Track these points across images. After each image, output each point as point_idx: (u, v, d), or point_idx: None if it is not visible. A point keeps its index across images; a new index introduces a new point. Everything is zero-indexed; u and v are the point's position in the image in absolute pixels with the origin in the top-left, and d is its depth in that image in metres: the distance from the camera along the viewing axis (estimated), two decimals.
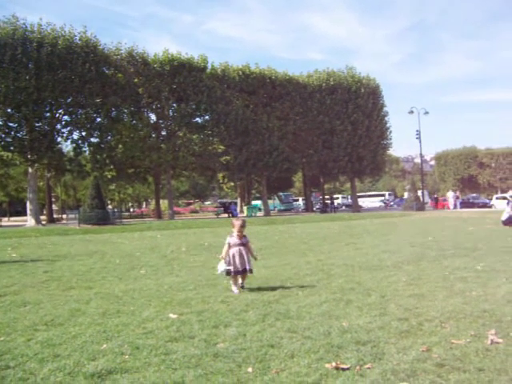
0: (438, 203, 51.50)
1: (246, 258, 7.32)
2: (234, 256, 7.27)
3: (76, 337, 4.92)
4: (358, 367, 3.80)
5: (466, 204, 50.55)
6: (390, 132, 55.97)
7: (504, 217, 20.14)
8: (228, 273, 7.30)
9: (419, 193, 49.87)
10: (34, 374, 3.84)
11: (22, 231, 26.45)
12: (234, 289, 7.27)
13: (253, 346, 4.43)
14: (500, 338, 4.44)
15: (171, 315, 5.73)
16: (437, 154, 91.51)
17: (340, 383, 3.49)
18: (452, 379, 3.52)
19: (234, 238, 7.39)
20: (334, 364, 3.84)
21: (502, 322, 5.00)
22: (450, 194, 50.18)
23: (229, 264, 7.27)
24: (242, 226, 7.46)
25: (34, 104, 36.01)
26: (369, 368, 3.78)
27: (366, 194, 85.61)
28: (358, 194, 66.06)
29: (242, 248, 7.35)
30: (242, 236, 7.44)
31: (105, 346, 4.59)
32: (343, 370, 3.75)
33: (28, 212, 38.47)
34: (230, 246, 7.36)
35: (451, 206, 48.12)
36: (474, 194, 65.45)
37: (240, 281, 7.48)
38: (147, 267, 10.50)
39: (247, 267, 7.28)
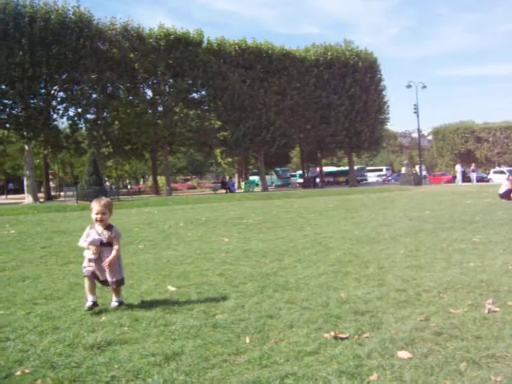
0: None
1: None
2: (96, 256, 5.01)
3: (75, 310, 4.93)
4: (356, 336, 3.82)
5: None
6: (388, 107, 55.71)
7: (502, 190, 20.16)
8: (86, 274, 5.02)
9: (417, 167, 49.79)
10: (34, 345, 3.86)
11: (20, 208, 26.42)
12: (88, 297, 4.93)
13: (251, 316, 4.46)
14: (497, 307, 4.47)
15: (170, 288, 5.75)
16: (434, 129, 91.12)
17: (339, 352, 3.51)
18: (450, 347, 3.54)
19: (93, 231, 5.03)
20: (332, 333, 3.86)
21: (499, 292, 5.02)
22: (458, 168, 49.37)
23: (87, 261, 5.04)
24: (104, 213, 5.02)
25: (29, 80, 35.63)
26: (367, 337, 3.80)
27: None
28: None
29: (105, 249, 4.99)
30: (104, 226, 5.05)
31: (104, 318, 4.61)
32: (342, 339, 3.78)
33: (25, 189, 38.41)
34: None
35: (458, 181, 47.11)
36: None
37: (114, 298, 5.08)
38: (145, 242, 10.52)
39: (108, 278, 5.00)
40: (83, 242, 5.04)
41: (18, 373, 3.30)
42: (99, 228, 5.03)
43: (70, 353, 3.68)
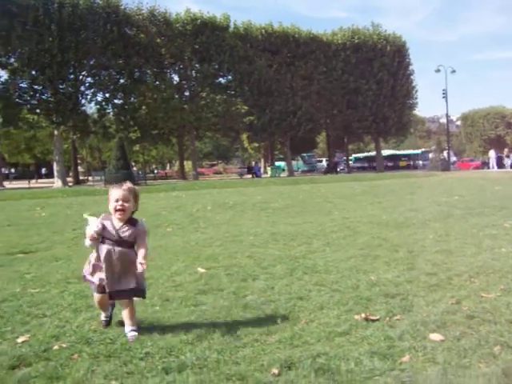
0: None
1: (126, 269, 3.68)
2: (106, 260, 3.64)
3: None
4: (387, 318, 3.81)
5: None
6: (416, 91, 54.98)
7: None
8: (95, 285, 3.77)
9: (445, 153, 49.07)
10: (70, 322, 3.96)
11: (50, 192, 26.91)
12: (102, 316, 3.88)
13: (281, 298, 4.48)
14: None
15: (199, 269, 5.81)
16: (463, 114, 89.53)
17: (370, 333, 3.50)
18: (483, 330, 3.50)
19: (108, 224, 3.70)
20: (363, 315, 3.86)
21: None
22: (492, 154, 48.33)
23: (94, 270, 3.74)
24: (127, 200, 3.71)
25: (58, 66, 36.16)
26: (398, 319, 3.79)
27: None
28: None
29: (121, 251, 3.66)
30: (125, 220, 3.72)
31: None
32: (372, 321, 3.77)
33: (55, 174, 39.12)
34: (102, 240, 3.68)
35: (493, 166, 46.15)
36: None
37: (128, 326, 3.69)
38: (173, 225, 10.62)
39: (126, 286, 3.70)
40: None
41: (56, 347, 3.39)
42: (117, 222, 3.71)
43: (104, 330, 3.76)
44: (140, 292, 3.81)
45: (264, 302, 4.37)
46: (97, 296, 3.75)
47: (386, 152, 68.94)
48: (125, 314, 3.72)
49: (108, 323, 3.85)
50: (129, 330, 3.64)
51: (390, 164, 61.39)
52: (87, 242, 3.69)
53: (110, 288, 3.65)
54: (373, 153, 64.69)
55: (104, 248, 3.64)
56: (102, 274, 3.66)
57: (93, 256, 3.76)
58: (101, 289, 3.70)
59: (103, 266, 3.63)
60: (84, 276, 3.83)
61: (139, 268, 3.60)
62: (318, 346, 3.29)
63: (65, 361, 3.15)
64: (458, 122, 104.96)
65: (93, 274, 3.73)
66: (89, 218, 3.78)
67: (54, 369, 3.02)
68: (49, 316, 4.14)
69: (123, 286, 3.67)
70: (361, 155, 71.38)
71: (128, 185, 3.81)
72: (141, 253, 3.66)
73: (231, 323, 3.83)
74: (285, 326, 3.75)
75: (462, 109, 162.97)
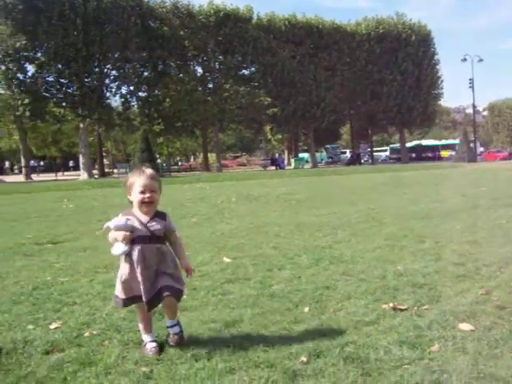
0: None
1: (162, 267, 3.16)
2: (140, 261, 3.09)
3: None
4: (415, 308, 3.79)
5: None
6: (442, 81, 54.19)
7: None
8: (125, 303, 3.21)
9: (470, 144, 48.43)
10: (99, 310, 4.02)
11: (76, 184, 27.29)
12: (145, 337, 3.22)
13: (308, 287, 4.48)
14: None
15: (225, 259, 5.83)
16: (490, 104, 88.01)
17: (398, 322, 3.49)
18: None
19: (134, 220, 3.14)
20: (391, 305, 3.84)
21: None
22: None
23: (125, 282, 3.14)
24: (154, 190, 3.17)
25: (83, 59, 36.56)
26: (427, 309, 3.76)
27: None
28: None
29: (155, 247, 3.13)
30: (152, 213, 3.19)
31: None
32: (401, 310, 3.75)
33: (81, 166, 39.65)
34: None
35: None
36: None
37: (170, 322, 3.33)
38: (199, 216, 10.67)
39: (164, 285, 3.12)
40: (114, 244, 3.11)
41: (87, 334, 3.46)
42: (143, 217, 3.17)
43: (133, 318, 3.77)
44: (178, 292, 3.23)
45: (291, 291, 4.38)
46: (141, 308, 3.22)
47: (425, 142, 67.69)
48: (169, 312, 3.31)
49: (161, 348, 3.18)
50: (170, 326, 3.30)
51: (429, 155, 60.44)
52: (116, 251, 3.07)
53: (148, 294, 3.10)
54: (410, 143, 63.57)
55: (135, 248, 3.08)
56: (140, 283, 3.10)
57: (120, 273, 3.18)
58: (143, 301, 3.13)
59: (138, 269, 3.07)
60: (117, 298, 3.23)
61: (190, 270, 3.30)
62: (346, 335, 3.29)
63: (96, 347, 3.21)
64: (485, 113, 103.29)
65: (128, 289, 3.14)
66: (109, 222, 3.13)
67: (86, 354, 3.08)
68: (79, 304, 4.21)
69: (163, 284, 3.12)
70: (397, 145, 70.02)
71: (151, 172, 3.21)
72: (183, 256, 3.30)
73: (259, 312, 3.84)
74: (312, 314, 3.75)
75: (488, 99, 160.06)
